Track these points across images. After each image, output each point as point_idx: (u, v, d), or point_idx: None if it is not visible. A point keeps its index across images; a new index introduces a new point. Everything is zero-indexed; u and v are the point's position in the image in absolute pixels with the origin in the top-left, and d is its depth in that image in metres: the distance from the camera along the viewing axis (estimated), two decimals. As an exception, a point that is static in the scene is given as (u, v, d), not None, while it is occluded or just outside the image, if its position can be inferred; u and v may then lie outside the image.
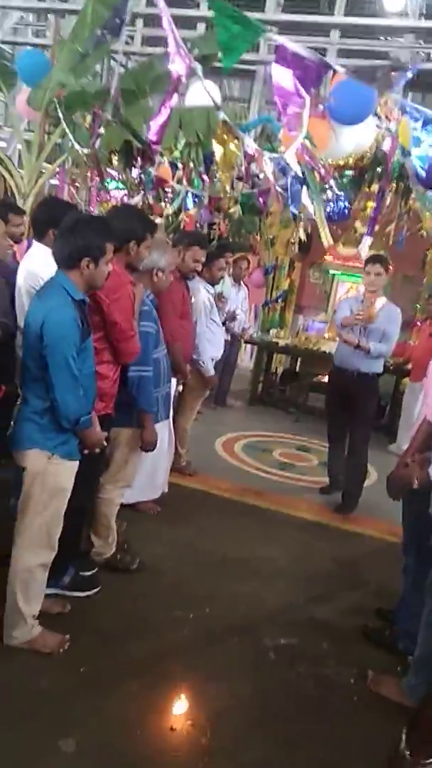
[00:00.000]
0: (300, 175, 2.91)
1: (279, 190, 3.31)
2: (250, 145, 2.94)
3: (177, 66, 2.42)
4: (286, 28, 8.93)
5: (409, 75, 2.53)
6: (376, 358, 4.23)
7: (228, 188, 4.97)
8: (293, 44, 2.00)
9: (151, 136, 3.04)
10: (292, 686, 2.49)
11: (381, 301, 4.24)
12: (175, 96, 3.22)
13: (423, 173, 2.51)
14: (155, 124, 3.00)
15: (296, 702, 2.41)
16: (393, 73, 2.24)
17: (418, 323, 6.05)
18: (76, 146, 3.53)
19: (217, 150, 4.25)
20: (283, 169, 3.13)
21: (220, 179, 4.94)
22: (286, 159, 2.56)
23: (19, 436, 2.31)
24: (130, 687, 2.34)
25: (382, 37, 9.72)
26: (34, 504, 2.32)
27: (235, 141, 4.05)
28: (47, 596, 2.57)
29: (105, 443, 2.55)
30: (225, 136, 4.28)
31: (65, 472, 2.35)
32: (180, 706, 2.29)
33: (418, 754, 1.04)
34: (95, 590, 2.88)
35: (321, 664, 2.65)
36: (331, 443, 4.61)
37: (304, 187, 3.26)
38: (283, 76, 2.00)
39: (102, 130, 3.62)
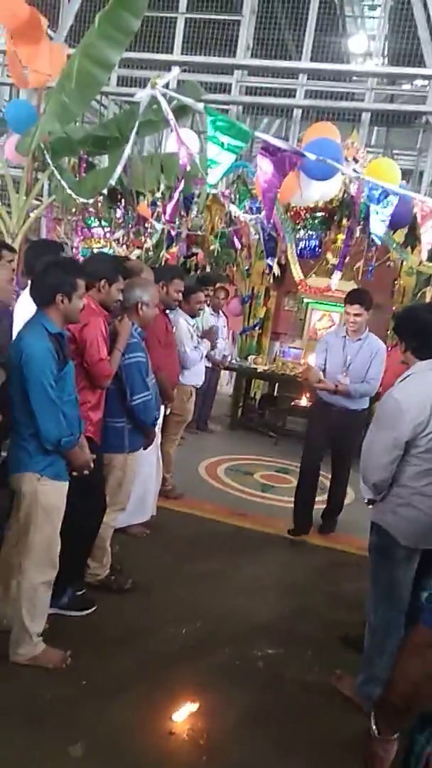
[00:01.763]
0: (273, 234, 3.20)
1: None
2: (238, 214, 3.26)
3: (182, 155, 2.76)
4: (255, 72, 9.46)
5: None
6: (360, 397, 4.17)
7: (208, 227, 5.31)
8: (275, 140, 2.30)
9: (166, 216, 3.36)
10: (281, 691, 2.69)
11: (363, 335, 4.19)
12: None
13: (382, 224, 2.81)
14: (169, 207, 3.34)
15: (285, 705, 2.61)
16: None
17: (389, 349, 6.38)
18: (68, 190, 3.78)
19: (207, 214, 4.57)
20: (261, 226, 3.45)
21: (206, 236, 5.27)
22: (263, 219, 2.87)
23: (12, 461, 2.53)
24: (129, 696, 2.51)
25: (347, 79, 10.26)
26: (32, 524, 2.51)
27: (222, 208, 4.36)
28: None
29: (92, 465, 2.69)
30: (214, 204, 4.59)
31: (55, 491, 2.53)
32: (177, 712, 2.45)
33: (385, 732, 1.25)
34: (92, 609, 3.05)
35: (306, 671, 2.85)
36: (305, 476, 4.35)
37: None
38: (265, 164, 2.30)
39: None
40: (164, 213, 3.43)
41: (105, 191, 3.38)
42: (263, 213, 2.67)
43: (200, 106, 2.49)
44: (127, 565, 3.49)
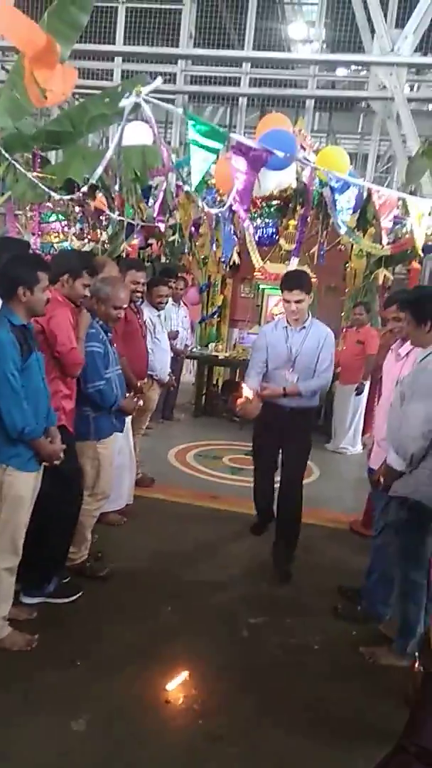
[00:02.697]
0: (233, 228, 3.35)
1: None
2: (204, 208, 3.40)
3: (164, 156, 2.90)
4: (198, 61, 9.52)
5: None
6: (312, 396, 3.75)
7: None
8: (247, 140, 2.43)
9: (155, 214, 3.45)
10: (267, 655, 2.86)
11: (307, 322, 3.70)
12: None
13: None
14: (156, 205, 3.44)
15: (273, 667, 2.78)
16: None
17: (345, 330, 6.62)
18: (39, 184, 3.79)
19: (181, 210, 4.65)
20: (221, 219, 3.60)
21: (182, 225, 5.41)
22: (225, 210, 3.02)
23: None
24: (125, 672, 2.63)
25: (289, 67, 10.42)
26: None
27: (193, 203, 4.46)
28: (21, 604, 2.88)
29: (61, 455, 2.72)
30: (186, 201, 4.69)
31: (21, 482, 2.59)
32: (171, 683, 2.59)
33: (429, 666, 1.42)
34: (78, 594, 3.14)
35: (288, 635, 3.03)
36: (260, 477, 4.11)
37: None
38: (239, 162, 2.42)
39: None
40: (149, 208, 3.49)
41: (85, 189, 3.42)
42: (226, 206, 2.80)
43: (180, 111, 2.58)
44: (108, 550, 3.59)
